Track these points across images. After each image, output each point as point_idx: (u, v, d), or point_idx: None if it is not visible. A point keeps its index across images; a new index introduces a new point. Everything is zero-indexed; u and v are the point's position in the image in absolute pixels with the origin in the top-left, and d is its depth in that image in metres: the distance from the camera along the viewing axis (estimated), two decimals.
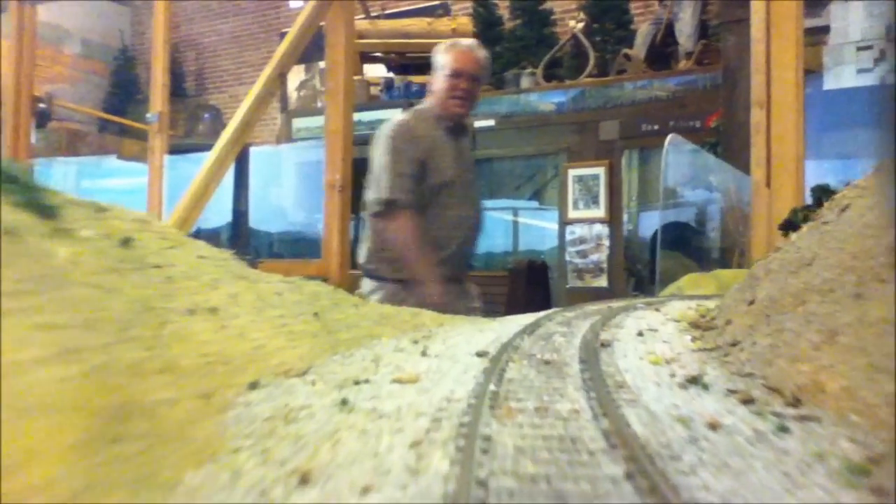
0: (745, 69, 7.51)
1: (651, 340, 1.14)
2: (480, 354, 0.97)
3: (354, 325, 1.17)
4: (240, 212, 7.32)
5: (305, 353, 0.96)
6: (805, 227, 1.37)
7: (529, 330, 1.18)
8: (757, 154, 4.15)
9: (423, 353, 1.05)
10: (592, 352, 0.95)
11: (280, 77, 4.24)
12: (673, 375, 0.88)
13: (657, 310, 1.53)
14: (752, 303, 1.13)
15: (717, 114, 7.50)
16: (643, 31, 8.25)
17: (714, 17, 8.08)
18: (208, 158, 3.82)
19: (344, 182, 4.46)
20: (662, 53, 8.14)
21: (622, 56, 8.04)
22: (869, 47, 3.81)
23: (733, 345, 1.03)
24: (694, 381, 0.83)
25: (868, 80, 3.83)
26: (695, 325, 1.29)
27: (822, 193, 3.33)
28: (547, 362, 0.90)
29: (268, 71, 4.09)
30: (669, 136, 3.80)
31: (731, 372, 0.89)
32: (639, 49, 8.10)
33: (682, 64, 7.92)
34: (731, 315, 1.19)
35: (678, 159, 3.96)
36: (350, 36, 4.69)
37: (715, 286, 2.48)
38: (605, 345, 1.04)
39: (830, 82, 3.95)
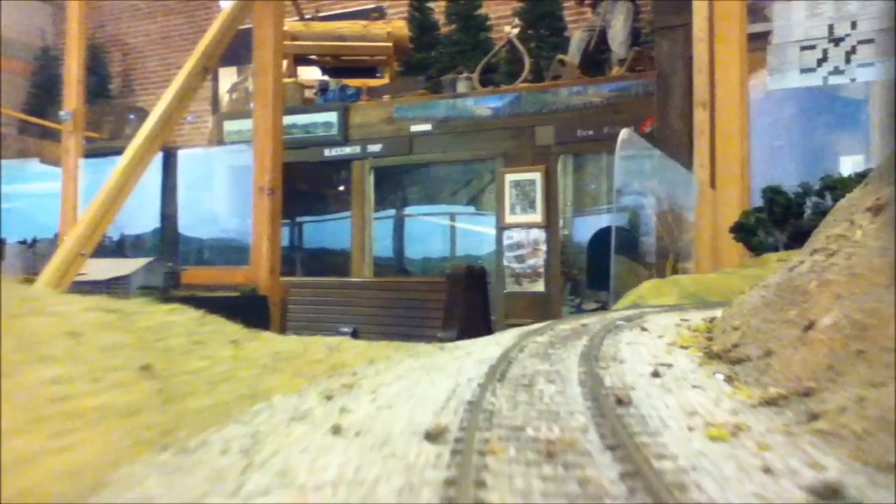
0: (679, 75, 7.36)
1: (676, 386, 0.79)
2: (432, 437, 0.60)
3: (224, 380, 0.78)
4: (168, 217, 6.82)
5: (99, 454, 0.52)
6: (836, 223, 1.04)
7: (500, 371, 0.82)
8: (700, 155, 3.90)
9: (336, 431, 0.68)
10: (615, 423, 0.59)
11: (203, 72, 3.80)
12: (770, 472, 0.51)
13: (643, 328, 1.19)
14: (809, 328, 0.79)
15: (651, 120, 7.36)
16: (577, 37, 8.02)
17: (646, 24, 7.91)
18: (121, 159, 3.36)
19: (274, 185, 4.04)
20: (596, 60, 7.94)
21: (557, 62, 7.79)
22: (812, 47, 3.58)
23: (807, 394, 0.68)
24: (828, 494, 0.48)
25: (812, 80, 3.60)
26: (712, 354, 0.95)
27: (775, 195, 3.06)
28: (550, 453, 0.53)
29: (189, 66, 3.65)
30: (623, 131, 3.49)
31: (856, 458, 0.53)
32: (573, 55, 7.87)
33: (616, 71, 7.72)
34: (770, 343, 0.85)
35: (630, 155, 3.66)
36: (279, 34, 4.28)
37: (677, 293, 2.18)
38: (622, 401, 0.69)
39: (774, 82, 3.71)
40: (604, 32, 7.89)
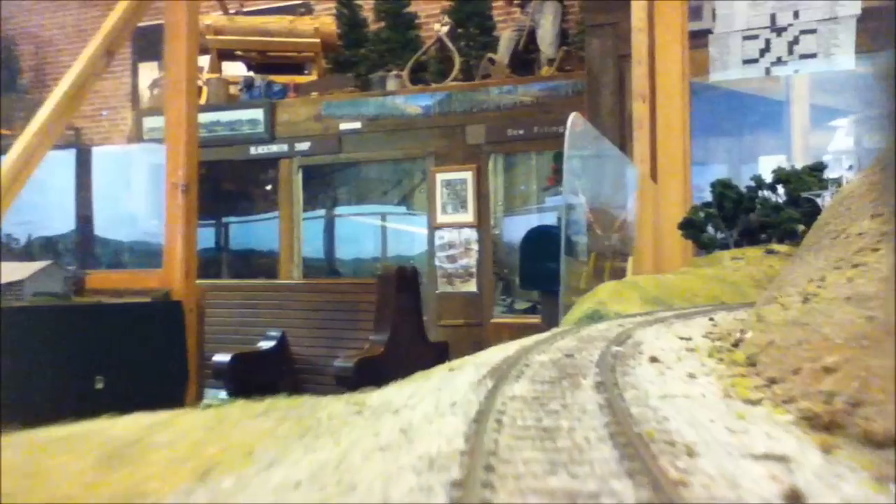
0: (609, 74, 7.15)
1: None
2: None
3: None
4: (83, 218, 6.25)
5: None
6: None
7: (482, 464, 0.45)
8: (640, 150, 3.63)
9: None
10: None
11: (108, 56, 3.34)
12: None
13: (653, 359, 0.86)
14: None
15: None
16: (506, 36, 7.75)
17: (574, 24, 7.70)
18: (9, 153, 2.88)
19: (189, 181, 3.60)
20: (526, 60, 7.69)
21: (487, 61, 7.51)
22: (755, 37, 3.34)
23: None
24: None
25: (754, 71, 3.37)
26: (816, 421, 0.61)
27: (725, 189, 2.79)
28: None
29: (90, 50, 3.18)
30: (572, 115, 3.19)
31: None
32: (503, 55, 7.60)
33: (545, 70, 7.48)
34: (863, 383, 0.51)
35: (579, 143, 3.35)
36: (193, 23, 3.83)
37: (638, 298, 1.87)
38: None
39: (717, 73, 3.46)
40: (533, 32, 7.66)
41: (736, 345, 0.94)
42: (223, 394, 5.63)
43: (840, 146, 7.63)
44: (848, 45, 3.26)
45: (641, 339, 1.06)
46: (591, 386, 0.70)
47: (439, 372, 1.00)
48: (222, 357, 5.81)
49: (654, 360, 0.87)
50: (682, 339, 1.06)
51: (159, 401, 3.67)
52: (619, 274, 5.55)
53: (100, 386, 3.39)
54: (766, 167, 6.19)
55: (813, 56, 3.26)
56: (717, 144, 7.65)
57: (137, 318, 3.49)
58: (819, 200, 2.36)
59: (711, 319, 1.36)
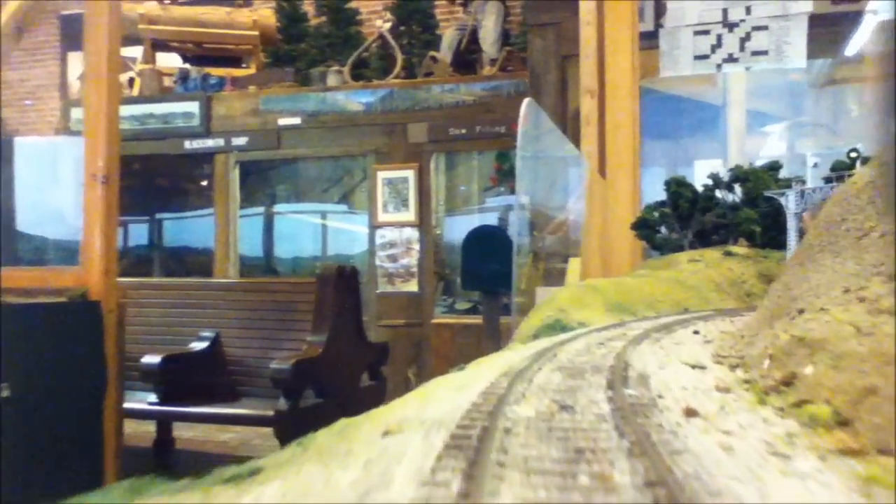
0: (552, 74, 6.98)
1: None
2: None
3: None
4: (3, 212, 5.76)
5: None
6: None
7: None
8: (588, 147, 3.42)
9: None
10: None
11: (18, 32, 2.97)
12: None
13: (692, 413, 0.61)
14: None
15: None
16: (449, 35, 7.52)
17: (516, 25, 7.51)
18: None
19: (109, 172, 3.25)
20: (468, 59, 7.48)
21: (429, 59, 7.26)
22: (706, 32, 3.17)
23: None
24: None
25: (705, 67, 3.19)
26: None
27: (680, 187, 2.59)
28: None
29: None
30: (526, 100, 2.95)
31: None
32: (445, 53, 7.37)
33: (487, 70, 7.27)
34: None
35: (532, 130, 3.12)
36: (116, 7, 3.47)
37: (601, 304, 1.64)
38: None
39: (667, 68, 3.27)
40: (475, 32, 7.45)
41: (788, 383, 0.70)
42: (153, 397, 5.25)
43: (773, 151, 7.64)
44: (799, 42, 3.11)
45: (643, 368, 0.83)
46: (635, 488, 0.44)
47: (367, 437, 0.72)
48: (151, 359, 5.42)
49: (690, 413, 0.63)
50: (693, 367, 0.83)
51: (74, 408, 3.27)
52: (556, 275, 5.36)
53: (5, 394, 3.02)
54: (702, 171, 6.09)
55: (764, 53, 3.10)
56: (655, 147, 7.56)
57: (49, 320, 3.12)
58: (783, 200, 2.18)
59: (696, 332, 1.14)
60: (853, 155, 2.11)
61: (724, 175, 2.63)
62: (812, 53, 6.54)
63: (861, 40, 5.83)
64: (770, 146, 7.38)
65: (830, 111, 6.94)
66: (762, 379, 0.75)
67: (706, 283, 2.10)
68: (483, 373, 0.88)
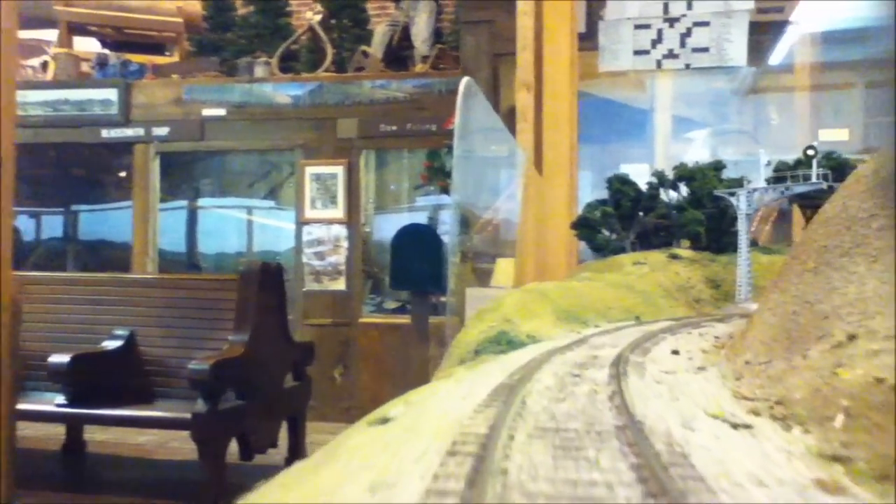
0: (484, 72, 6.76)
1: None
2: None
3: None
4: None
5: None
6: None
7: None
8: (524, 143, 3.20)
9: None
10: None
11: None
12: None
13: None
14: None
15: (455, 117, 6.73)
16: (380, 31, 7.24)
17: (448, 24, 7.29)
18: None
19: (6, 153, 2.86)
20: (400, 56, 7.22)
21: (360, 53, 6.96)
22: (647, 26, 2.99)
23: None
24: None
25: (645, 62, 3.02)
26: None
27: (623, 185, 2.39)
28: None
29: None
30: (465, 80, 2.71)
31: None
32: (376, 49, 7.08)
33: (419, 67, 7.03)
34: None
35: (471, 112, 2.88)
36: None
37: (551, 311, 1.41)
38: None
39: (606, 63, 3.09)
40: (407, 28, 7.20)
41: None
42: (61, 398, 4.82)
43: (696, 157, 7.65)
44: (740, 41, 2.97)
45: (666, 431, 0.58)
46: None
47: None
48: (60, 358, 4.98)
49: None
50: (736, 427, 0.59)
51: None
52: (484, 276, 5.15)
53: None
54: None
55: (705, 51, 2.95)
56: (583, 151, 7.47)
57: None
58: (733, 200, 2.01)
59: (676, 353, 0.92)
60: (810, 153, 1.95)
61: (669, 173, 2.44)
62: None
63: (784, 50, 5.84)
64: (693, 152, 7.38)
65: (752, 119, 6.96)
66: (847, 448, 0.52)
67: (654, 287, 1.90)
68: (413, 446, 0.61)
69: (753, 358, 0.76)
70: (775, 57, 5.81)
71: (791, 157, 2.56)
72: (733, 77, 6.88)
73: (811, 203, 2.58)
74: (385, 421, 0.74)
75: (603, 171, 7.14)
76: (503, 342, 1.12)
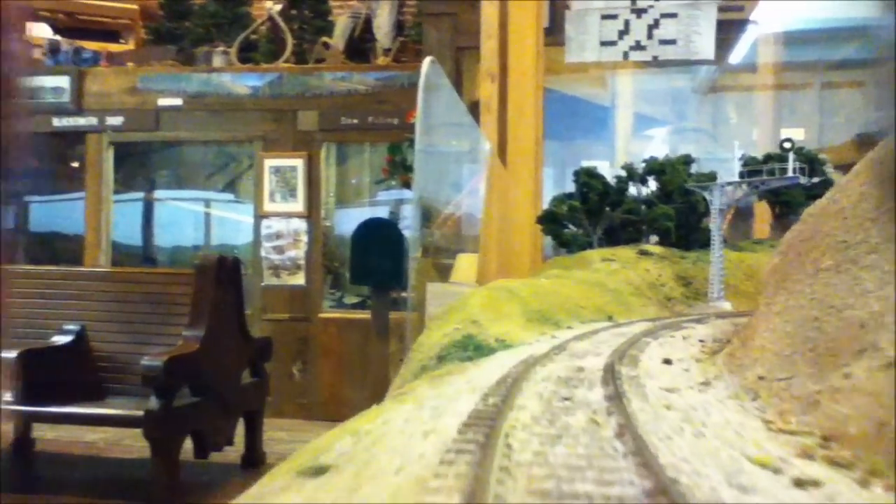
0: (446, 66, 6.61)
1: None
2: None
3: None
4: None
5: None
6: None
7: None
8: (487, 133, 3.07)
9: None
10: None
11: None
12: None
13: None
14: None
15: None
16: (342, 22, 7.05)
17: (410, 17, 7.14)
18: None
19: None
20: (361, 48, 7.04)
21: (321, 44, 6.77)
22: (614, 16, 2.89)
23: None
24: None
25: (612, 54, 2.92)
26: None
27: (590, 178, 2.28)
28: None
29: None
30: (427, 60, 2.56)
31: None
32: (338, 40, 6.89)
33: (381, 60, 6.87)
34: None
35: (434, 94, 2.74)
36: None
37: (520, 312, 1.28)
38: None
39: (573, 54, 2.98)
40: (369, 21, 7.02)
41: None
42: (7, 395, 4.58)
43: (656, 154, 7.61)
44: (708, 34, 2.88)
45: (714, 496, 0.44)
46: None
47: None
48: (6, 354, 4.74)
49: None
50: (801, 485, 0.47)
51: None
52: (444, 271, 5.02)
53: None
54: None
55: (673, 43, 2.86)
56: (544, 147, 7.38)
57: None
58: (706, 194, 1.91)
59: (668, 362, 0.79)
60: (786, 146, 1.85)
61: (639, 167, 2.33)
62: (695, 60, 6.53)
63: (744, 49, 5.82)
64: (653, 149, 7.35)
65: (711, 117, 6.95)
66: None
67: (625, 285, 1.79)
68: None
69: (768, 372, 0.64)
70: (735, 56, 5.78)
71: (749, 154, 2.47)
72: (694, 75, 6.86)
73: (779, 199, 2.51)
74: (320, 472, 0.59)
75: (564, 167, 7.07)
76: (470, 347, 0.98)
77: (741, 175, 1.85)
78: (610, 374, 0.68)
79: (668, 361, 0.85)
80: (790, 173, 1.78)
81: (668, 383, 0.70)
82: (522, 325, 1.21)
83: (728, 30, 5.14)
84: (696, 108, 7.00)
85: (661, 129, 7.21)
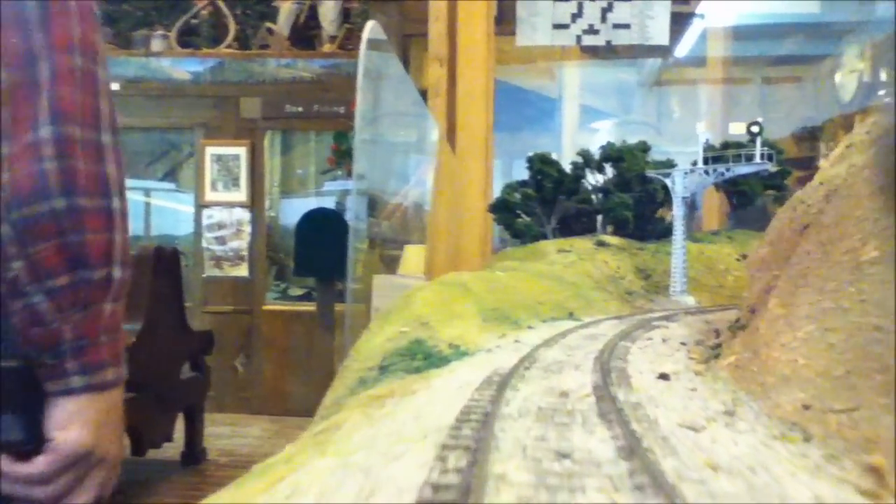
0: (395, 52, 6.43)
1: None
2: None
3: None
4: None
5: None
6: None
7: None
8: (437, 120, 2.89)
9: None
10: None
11: None
12: None
13: None
14: None
15: None
16: (286, 8, 6.74)
17: (357, 4, 6.88)
18: None
19: None
20: (307, 35, 6.77)
21: (265, 30, 6.47)
22: None
23: None
24: None
25: (565, 38, 2.77)
26: None
27: (545, 165, 2.11)
28: None
29: None
30: (370, 23, 2.36)
31: None
32: (282, 27, 6.61)
33: (326, 47, 6.60)
34: None
35: (375, 59, 2.53)
36: None
37: (476, 311, 1.10)
38: None
39: (524, 37, 2.81)
40: (314, 7, 6.75)
41: None
42: None
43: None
44: (663, 19, 2.76)
45: None
46: None
47: None
48: None
49: None
50: None
51: None
52: (390, 263, 4.83)
53: None
54: None
55: (627, 27, 2.72)
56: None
57: None
58: (668, 182, 1.76)
59: (665, 377, 0.63)
60: (754, 129, 1.72)
61: (595, 153, 2.18)
62: (641, 53, 6.46)
63: (690, 42, 5.75)
64: (599, 142, 7.27)
65: (656, 111, 6.89)
66: None
67: (584, 279, 1.63)
68: None
69: (816, 400, 0.48)
70: (681, 49, 5.71)
71: (692, 148, 2.34)
72: (640, 68, 6.79)
73: (737, 188, 2.39)
74: None
75: (511, 159, 6.94)
76: (418, 355, 0.80)
77: (705, 161, 1.71)
78: (610, 407, 0.51)
79: (664, 377, 0.69)
80: (758, 159, 1.65)
81: (684, 416, 0.53)
82: (479, 326, 1.04)
83: (674, 22, 5.06)
84: (641, 102, 6.93)
85: (607, 121, 7.12)
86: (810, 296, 0.57)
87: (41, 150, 0.85)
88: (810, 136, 5.49)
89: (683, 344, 0.92)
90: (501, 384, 0.59)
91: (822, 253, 0.61)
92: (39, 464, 0.84)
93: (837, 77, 5.46)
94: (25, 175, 0.85)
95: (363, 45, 2.30)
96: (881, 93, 4.95)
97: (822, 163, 1.24)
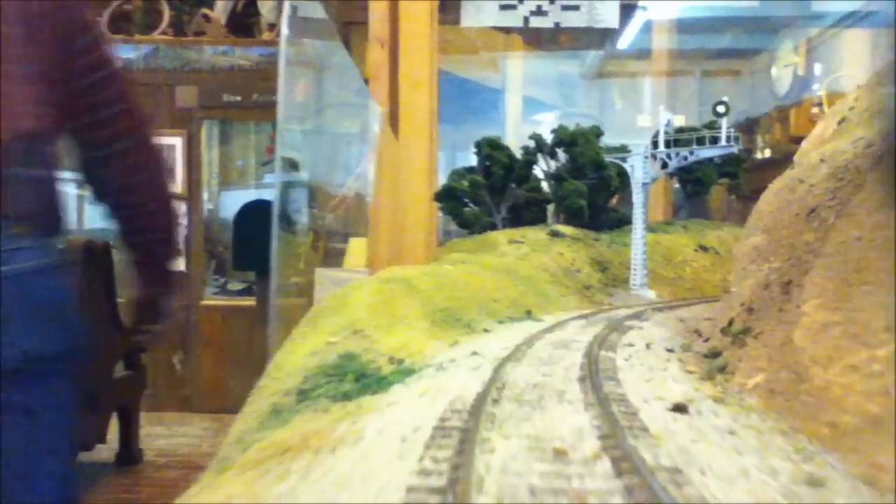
0: (336, 32, 6.17)
1: None
2: None
3: None
4: None
5: None
6: None
7: None
8: (379, 105, 2.69)
9: None
10: None
11: None
12: None
13: None
14: None
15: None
16: None
17: None
18: None
19: None
20: (245, 23, 6.46)
21: (201, 17, 6.14)
22: None
23: None
24: None
25: (511, 18, 2.60)
26: None
27: (494, 150, 1.93)
28: None
29: None
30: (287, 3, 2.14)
31: None
32: (219, 13, 6.28)
33: (265, 35, 6.32)
34: None
35: (316, 52, 2.31)
36: None
37: (420, 310, 0.91)
38: None
39: (469, 17, 2.64)
40: None
41: None
42: None
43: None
44: (613, 0, 2.61)
45: None
46: None
47: None
48: None
49: None
50: None
51: None
52: (336, 256, 4.60)
53: None
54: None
55: (576, 9, 2.57)
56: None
57: None
58: (627, 167, 1.61)
59: (681, 410, 0.46)
60: (720, 109, 1.58)
61: (548, 137, 2.01)
62: (584, 45, 6.35)
63: (631, 35, 5.67)
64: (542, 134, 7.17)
65: (598, 103, 6.80)
66: None
67: (539, 272, 1.47)
68: None
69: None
70: (623, 41, 5.62)
71: (633, 141, 2.21)
72: (582, 60, 6.70)
73: (692, 176, 2.26)
74: None
75: (455, 150, 6.77)
76: (348, 375, 0.61)
77: (667, 145, 1.57)
78: (644, 490, 0.33)
79: (680, 409, 0.51)
80: (724, 142, 1.51)
81: (754, 491, 0.36)
82: (426, 332, 0.85)
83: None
84: (583, 94, 6.83)
85: (550, 113, 7.01)
86: (880, 297, 0.40)
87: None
88: (748, 129, 5.48)
89: (671, 351, 0.76)
90: (466, 439, 0.39)
91: (882, 238, 0.44)
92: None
93: (773, 71, 5.47)
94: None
95: (283, 26, 2.07)
96: (815, 87, 4.96)
97: (805, 145, 1.09)
